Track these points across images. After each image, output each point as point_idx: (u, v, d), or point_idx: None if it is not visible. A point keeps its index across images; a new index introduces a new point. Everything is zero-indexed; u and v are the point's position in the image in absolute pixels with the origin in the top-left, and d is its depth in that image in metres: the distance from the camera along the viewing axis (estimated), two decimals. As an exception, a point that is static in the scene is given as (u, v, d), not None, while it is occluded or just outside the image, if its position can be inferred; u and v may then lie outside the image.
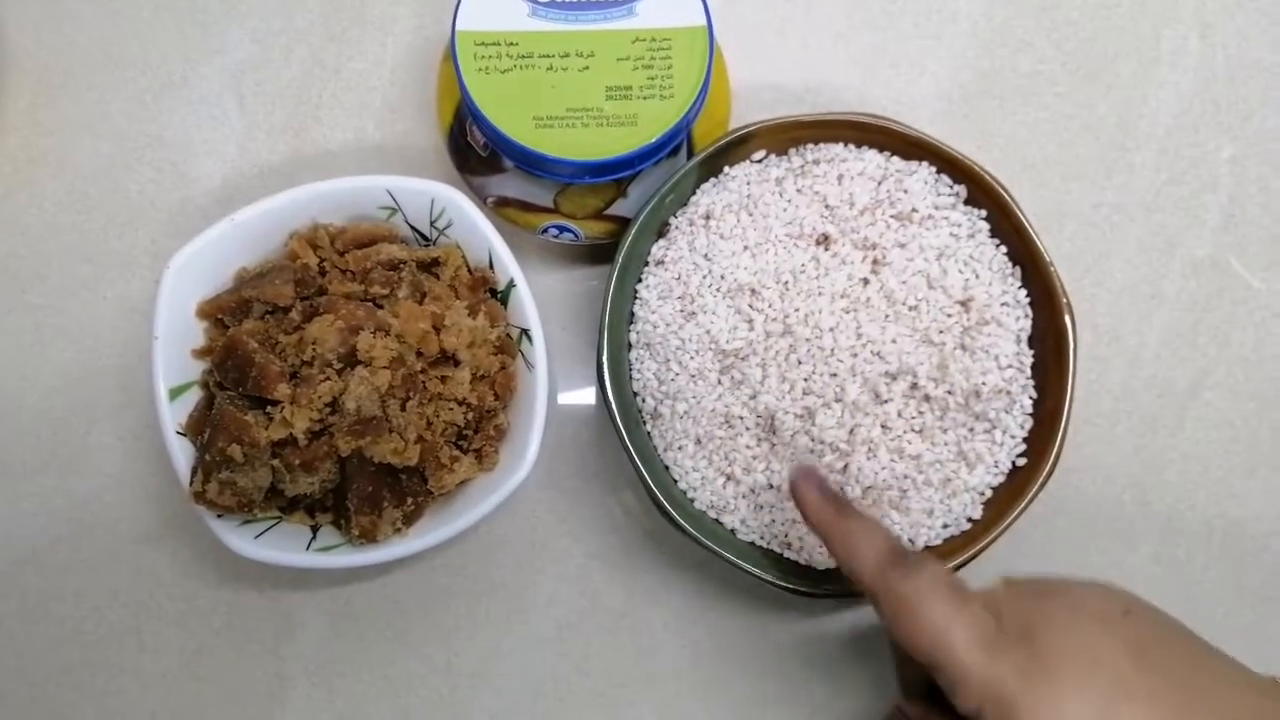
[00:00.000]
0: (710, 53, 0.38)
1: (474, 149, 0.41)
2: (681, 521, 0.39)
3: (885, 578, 0.31)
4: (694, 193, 0.42)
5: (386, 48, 0.48)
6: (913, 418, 0.40)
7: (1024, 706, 0.28)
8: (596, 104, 0.38)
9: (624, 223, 0.41)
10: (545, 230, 0.42)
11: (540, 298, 0.40)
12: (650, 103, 0.38)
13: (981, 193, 0.41)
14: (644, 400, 0.41)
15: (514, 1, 0.38)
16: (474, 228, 0.40)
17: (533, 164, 0.39)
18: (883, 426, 0.39)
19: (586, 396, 0.46)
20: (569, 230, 0.42)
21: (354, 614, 0.44)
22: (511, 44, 0.38)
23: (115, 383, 0.45)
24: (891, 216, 0.40)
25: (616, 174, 0.39)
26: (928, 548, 0.39)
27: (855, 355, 0.40)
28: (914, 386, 0.39)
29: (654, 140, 0.38)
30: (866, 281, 0.40)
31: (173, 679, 0.43)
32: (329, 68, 0.48)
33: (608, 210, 0.42)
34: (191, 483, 0.37)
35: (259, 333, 0.38)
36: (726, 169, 0.41)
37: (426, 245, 0.42)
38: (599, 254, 0.46)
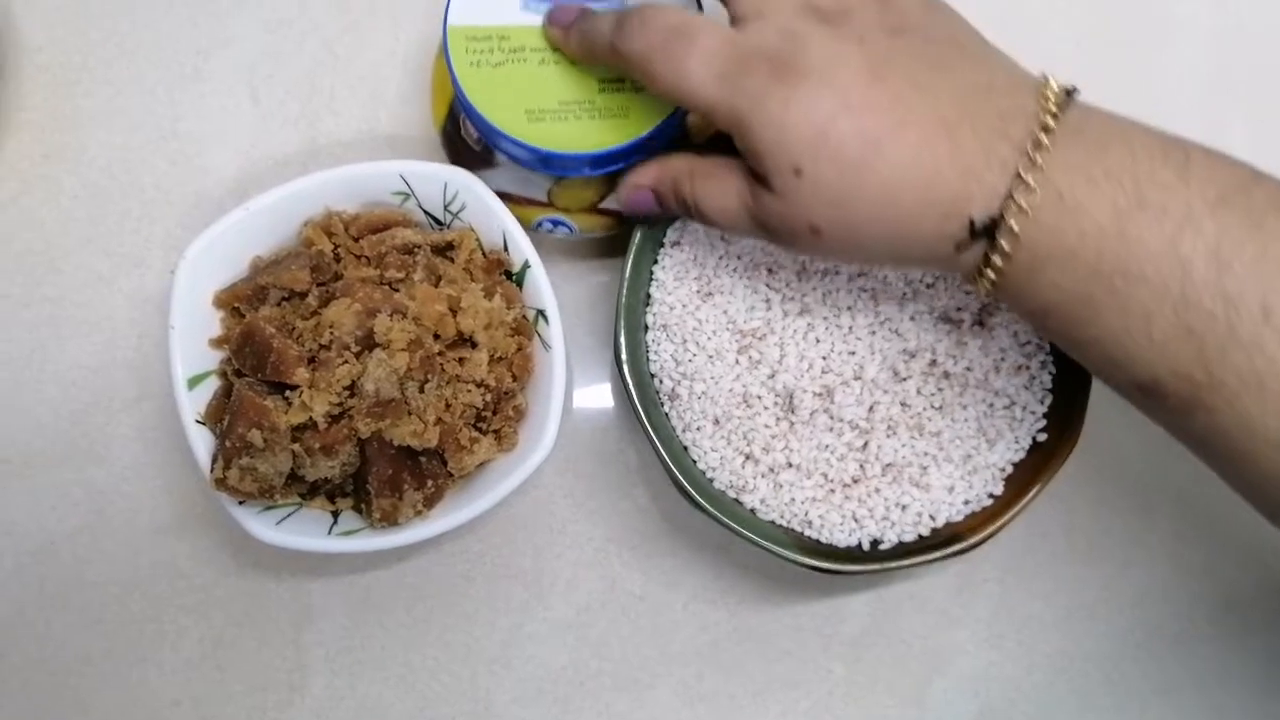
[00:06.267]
0: None
1: (467, 144, 0.41)
2: (701, 502, 0.38)
3: (615, 43, 0.33)
4: (708, 174, 0.42)
5: (399, 38, 0.48)
6: (932, 395, 0.39)
7: (752, 119, 0.29)
8: (589, 96, 0.37)
9: (618, 216, 0.41)
10: (540, 225, 0.42)
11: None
12: (643, 94, 0.37)
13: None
14: (661, 382, 0.41)
15: None
16: (488, 211, 0.40)
17: (524, 158, 0.38)
18: (902, 404, 0.39)
19: (602, 389, 0.46)
20: (564, 224, 0.42)
21: (373, 602, 0.44)
22: (503, 38, 0.38)
23: (133, 374, 0.45)
24: (907, 194, 0.40)
25: (610, 166, 0.38)
26: (949, 524, 0.39)
27: (874, 333, 0.39)
28: (933, 364, 0.39)
29: (647, 132, 0.37)
30: (883, 259, 0.40)
31: (193, 668, 0.43)
32: (342, 58, 0.48)
33: (601, 204, 0.41)
34: (212, 470, 0.37)
35: (276, 319, 0.38)
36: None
37: (440, 229, 0.42)
38: (603, 249, 0.46)
